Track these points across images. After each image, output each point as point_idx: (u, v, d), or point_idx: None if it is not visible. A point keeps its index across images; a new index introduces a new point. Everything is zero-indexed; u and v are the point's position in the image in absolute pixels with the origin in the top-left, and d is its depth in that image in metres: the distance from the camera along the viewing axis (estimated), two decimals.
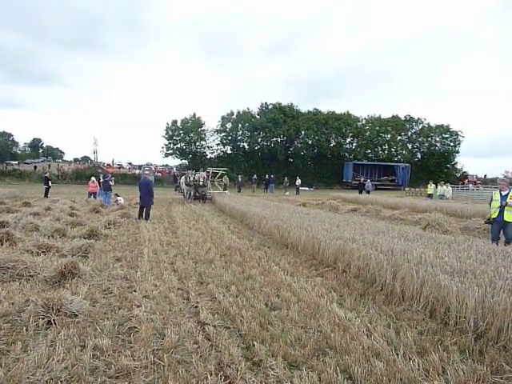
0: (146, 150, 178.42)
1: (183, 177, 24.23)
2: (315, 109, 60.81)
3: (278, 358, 3.74)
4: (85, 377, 3.33)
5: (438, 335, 4.30)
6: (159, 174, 54.75)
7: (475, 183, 52.50)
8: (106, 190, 20.19)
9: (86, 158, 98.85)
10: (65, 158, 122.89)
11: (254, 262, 7.75)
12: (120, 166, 65.75)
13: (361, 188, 36.07)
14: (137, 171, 54.61)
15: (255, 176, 43.83)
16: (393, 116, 62.71)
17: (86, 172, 42.37)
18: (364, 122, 62.54)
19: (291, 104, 59.82)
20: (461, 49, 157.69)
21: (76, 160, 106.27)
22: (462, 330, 4.33)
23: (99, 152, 79.06)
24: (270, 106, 59.20)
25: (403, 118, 62.79)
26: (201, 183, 22.23)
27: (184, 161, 59.75)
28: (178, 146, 57.89)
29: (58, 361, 3.53)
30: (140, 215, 14.13)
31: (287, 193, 36.81)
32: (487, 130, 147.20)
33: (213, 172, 27.02)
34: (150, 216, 14.16)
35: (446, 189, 27.82)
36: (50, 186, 24.24)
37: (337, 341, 4.06)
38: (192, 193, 23.01)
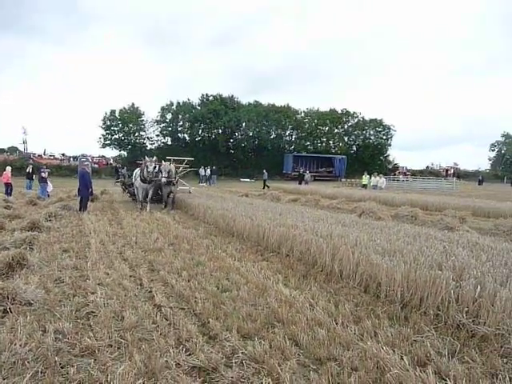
0: (81, 140, 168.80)
1: (137, 169, 16.13)
2: (256, 101, 61.19)
3: (232, 332, 4.11)
4: (51, 357, 3.50)
5: (371, 306, 4.91)
6: (96, 166, 52.81)
7: (405, 174, 56.07)
8: (41, 182, 19.50)
9: (13, 149, 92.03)
10: None
11: (202, 250, 8.05)
12: (53, 157, 62.32)
13: (300, 179, 37.40)
14: (72, 162, 52.24)
15: (203, 170, 40.98)
16: (330, 109, 64.63)
17: (15, 163, 39.80)
18: (303, 114, 63.88)
19: (232, 95, 59.84)
20: (395, 49, 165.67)
21: (2, 150, 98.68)
22: (391, 301, 4.99)
23: (29, 142, 74.48)
24: (210, 98, 58.91)
25: (340, 112, 65.02)
26: (164, 180, 14.41)
27: (122, 152, 57.99)
28: (116, 136, 55.91)
29: (20, 345, 3.65)
30: (81, 207, 13.88)
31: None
32: (414, 125, 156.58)
33: (176, 162, 17.30)
34: (88, 207, 14.01)
35: (379, 180, 29.53)
36: None
37: (284, 314, 4.51)
38: (151, 193, 15.13)
